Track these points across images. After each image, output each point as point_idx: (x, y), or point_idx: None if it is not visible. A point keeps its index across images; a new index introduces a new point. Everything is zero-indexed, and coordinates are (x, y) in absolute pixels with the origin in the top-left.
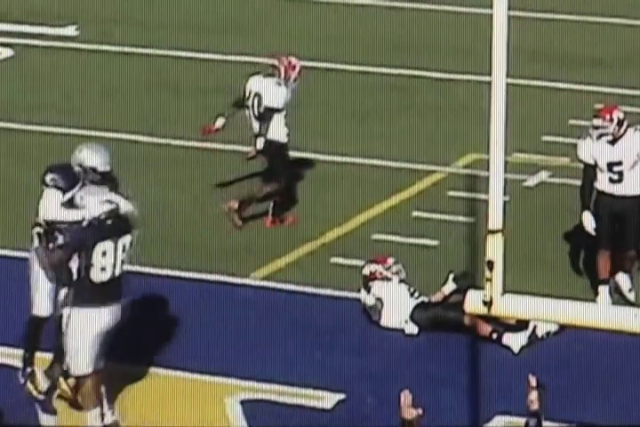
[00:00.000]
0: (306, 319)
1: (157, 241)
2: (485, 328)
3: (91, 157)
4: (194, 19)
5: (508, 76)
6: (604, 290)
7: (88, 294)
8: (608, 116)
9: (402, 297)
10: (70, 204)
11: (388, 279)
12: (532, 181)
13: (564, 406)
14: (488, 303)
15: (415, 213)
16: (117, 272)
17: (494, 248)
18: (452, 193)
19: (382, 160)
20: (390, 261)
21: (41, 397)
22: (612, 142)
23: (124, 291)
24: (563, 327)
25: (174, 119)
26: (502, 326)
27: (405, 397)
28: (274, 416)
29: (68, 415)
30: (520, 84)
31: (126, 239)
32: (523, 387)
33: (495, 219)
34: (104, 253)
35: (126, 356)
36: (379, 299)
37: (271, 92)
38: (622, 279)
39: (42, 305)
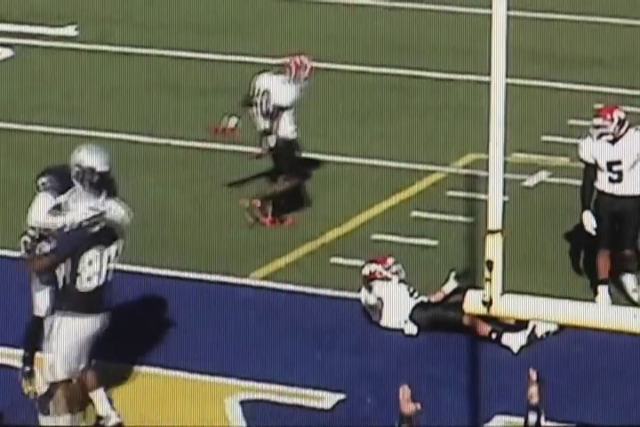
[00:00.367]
0: (305, 319)
1: (157, 241)
2: (485, 328)
3: (89, 158)
4: (194, 19)
5: (507, 76)
6: (603, 290)
7: (72, 302)
8: (609, 116)
9: (401, 297)
10: (59, 209)
11: (388, 279)
12: (531, 181)
13: (563, 406)
14: (487, 303)
15: (415, 214)
16: (102, 281)
17: (494, 248)
18: (451, 193)
19: (382, 160)
20: (390, 261)
21: (34, 396)
22: (613, 142)
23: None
24: (562, 327)
25: (174, 119)
26: (501, 325)
27: (404, 391)
28: (273, 416)
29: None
30: (519, 84)
31: (112, 249)
32: (522, 387)
33: (495, 219)
34: (90, 262)
35: (126, 356)
36: (379, 299)
37: (280, 89)
38: (628, 280)
39: (42, 306)
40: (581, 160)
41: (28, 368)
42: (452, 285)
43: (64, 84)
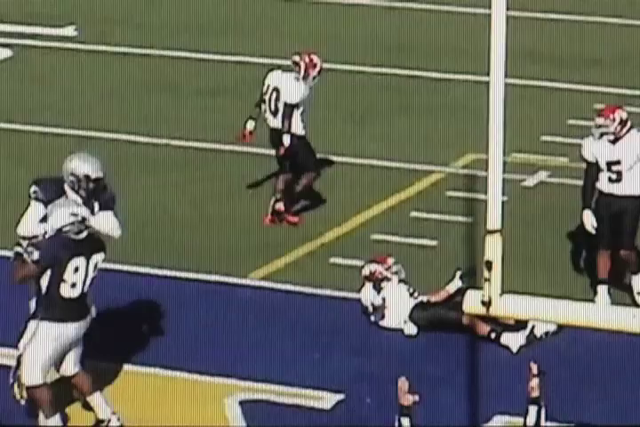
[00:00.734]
0: (305, 320)
1: (157, 241)
2: (484, 328)
3: (83, 165)
4: (194, 19)
5: (506, 76)
6: (602, 290)
7: (55, 309)
8: (610, 116)
9: (401, 297)
10: (46, 218)
11: (388, 279)
12: (530, 181)
13: (563, 406)
14: (487, 303)
15: (414, 214)
16: (86, 289)
17: (493, 248)
18: (450, 193)
19: (381, 160)
20: (390, 261)
21: (22, 401)
22: (614, 142)
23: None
24: (561, 327)
25: (174, 120)
26: (501, 325)
27: (402, 383)
28: (273, 417)
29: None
30: (519, 84)
31: (99, 257)
32: (522, 387)
33: (494, 219)
34: (76, 270)
35: (126, 356)
36: (383, 299)
37: (290, 87)
38: (635, 281)
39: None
40: (583, 159)
41: (19, 372)
42: (456, 284)
43: (63, 84)
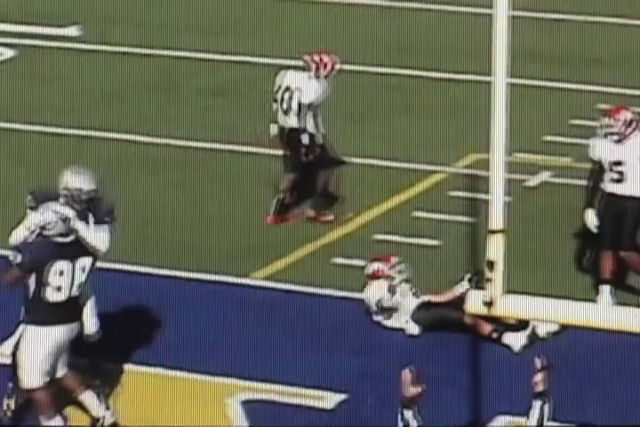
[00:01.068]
0: (307, 319)
1: (158, 241)
2: (486, 328)
3: (75, 179)
4: (193, 19)
5: (509, 75)
6: (605, 290)
7: (41, 312)
8: (616, 116)
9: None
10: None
11: (392, 278)
12: (533, 181)
13: (565, 406)
14: (489, 303)
15: (416, 214)
16: (75, 293)
17: (495, 248)
18: (452, 193)
19: (383, 160)
20: (394, 260)
21: (9, 413)
22: (618, 142)
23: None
24: (564, 327)
25: (174, 120)
26: (503, 325)
27: (407, 375)
28: (275, 417)
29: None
30: (521, 83)
31: (86, 261)
32: (524, 387)
33: (496, 219)
34: (60, 273)
35: (127, 356)
36: (395, 301)
37: (306, 87)
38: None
39: None
40: (591, 159)
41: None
42: (464, 287)
43: (66, 84)
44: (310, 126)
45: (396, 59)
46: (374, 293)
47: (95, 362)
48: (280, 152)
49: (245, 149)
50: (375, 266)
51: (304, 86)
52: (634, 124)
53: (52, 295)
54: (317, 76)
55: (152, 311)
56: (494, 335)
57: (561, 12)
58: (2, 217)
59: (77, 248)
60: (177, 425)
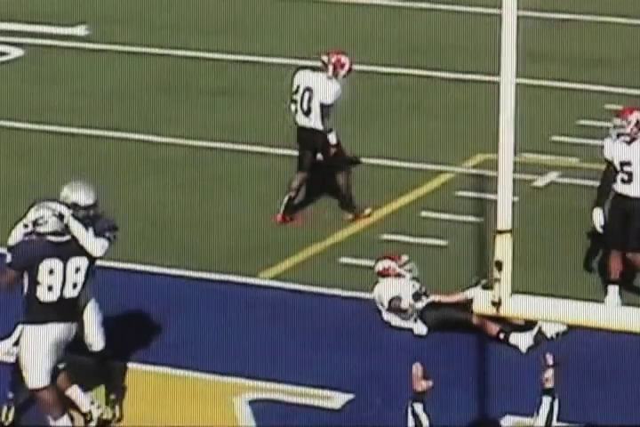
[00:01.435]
0: (314, 319)
1: (157, 241)
2: (493, 328)
3: (72, 194)
4: (200, 20)
5: (516, 76)
6: (613, 290)
7: (36, 312)
8: (627, 117)
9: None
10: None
11: (402, 276)
12: (541, 182)
13: (571, 406)
14: (497, 304)
15: (424, 214)
16: (69, 294)
17: (503, 248)
18: (460, 193)
19: (391, 160)
20: (404, 258)
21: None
22: (629, 143)
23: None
24: (572, 327)
25: (174, 120)
26: (510, 325)
27: (417, 369)
28: (282, 416)
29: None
30: (529, 84)
31: (80, 261)
32: (531, 387)
33: (504, 219)
34: (50, 271)
35: (134, 356)
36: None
37: (324, 87)
38: None
39: None
40: (604, 159)
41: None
42: (476, 292)
43: (72, 83)
44: (317, 125)
45: (403, 59)
46: (386, 291)
47: (99, 361)
48: (283, 152)
49: (245, 148)
50: (385, 264)
51: (324, 87)
52: None
53: (43, 294)
54: (336, 76)
55: (158, 311)
56: (501, 336)
57: (568, 12)
58: (2, 217)
59: (72, 248)
60: (184, 425)
